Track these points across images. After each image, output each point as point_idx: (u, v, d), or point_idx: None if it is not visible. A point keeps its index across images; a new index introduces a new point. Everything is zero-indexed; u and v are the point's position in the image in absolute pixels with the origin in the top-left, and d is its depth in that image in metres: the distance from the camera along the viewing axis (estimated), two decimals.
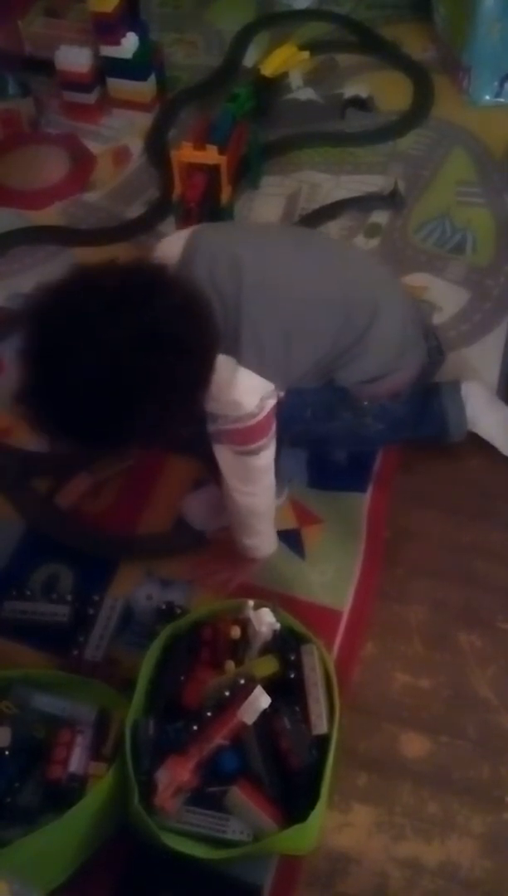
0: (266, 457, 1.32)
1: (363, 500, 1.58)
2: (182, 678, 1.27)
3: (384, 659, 1.42)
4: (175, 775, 1.15)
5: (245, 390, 1.23)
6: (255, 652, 1.31)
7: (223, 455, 1.32)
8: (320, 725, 1.22)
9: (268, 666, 1.28)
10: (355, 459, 1.63)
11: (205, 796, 1.18)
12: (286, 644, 1.32)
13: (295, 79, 2.39)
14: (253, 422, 1.26)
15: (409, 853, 1.25)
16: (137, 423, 1.07)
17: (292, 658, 1.29)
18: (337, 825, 1.27)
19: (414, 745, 1.33)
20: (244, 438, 1.28)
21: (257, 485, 1.35)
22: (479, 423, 1.60)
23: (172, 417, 1.10)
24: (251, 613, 1.31)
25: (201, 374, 1.13)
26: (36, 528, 1.58)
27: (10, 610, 1.46)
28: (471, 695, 1.38)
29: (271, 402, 1.28)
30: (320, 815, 1.18)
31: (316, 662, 1.28)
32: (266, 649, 1.31)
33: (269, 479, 1.36)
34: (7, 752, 1.21)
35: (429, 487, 1.61)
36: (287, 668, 1.28)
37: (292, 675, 1.27)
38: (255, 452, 1.30)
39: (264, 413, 1.26)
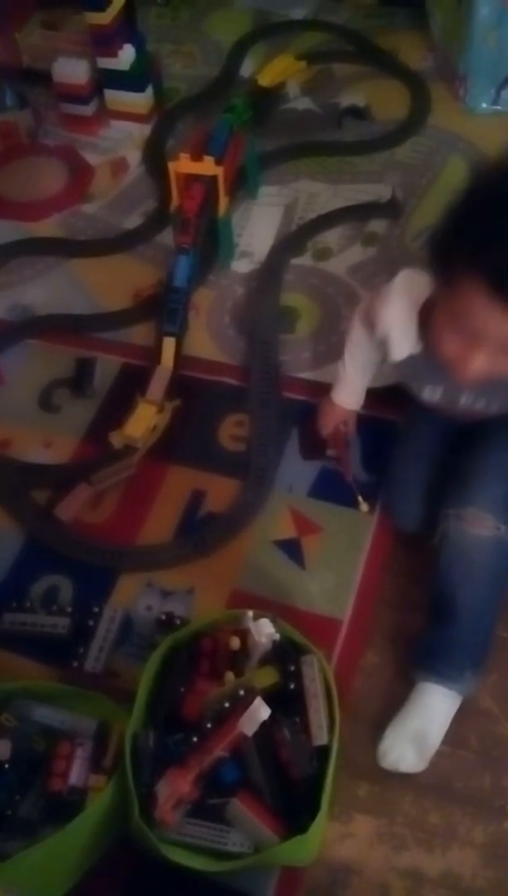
0: None
1: (371, 519, 1.57)
2: (182, 690, 1.27)
3: (385, 668, 1.41)
4: (175, 787, 1.14)
5: None
6: (254, 663, 1.31)
7: None
8: (320, 736, 1.21)
9: (268, 677, 1.28)
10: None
11: (205, 808, 1.18)
12: (286, 655, 1.31)
13: (292, 89, 2.40)
14: None
15: (410, 863, 1.24)
16: None
17: (292, 669, 1.28)
18: (338, 836, 1.26)
19: None
20: None
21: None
22: None
23: None
24: (251, 624, 1.31)
25: None
26: (35, 540, 1.58)
27: (9, 622, 1.46)
28: (473, 704, 1.37)
29: None
30: (320, 826, 1.17)
31: (316, 673, 1.27)
32: (266, 660, 1.31)
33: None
34: (7, 765, 1.21)
35: None
36: (287, 679, 1.28)
37: (292, 686, 1.27)
38: None
39: None
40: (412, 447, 1.54)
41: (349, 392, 1.59)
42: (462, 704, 1.36)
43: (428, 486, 1.47)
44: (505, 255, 1.08)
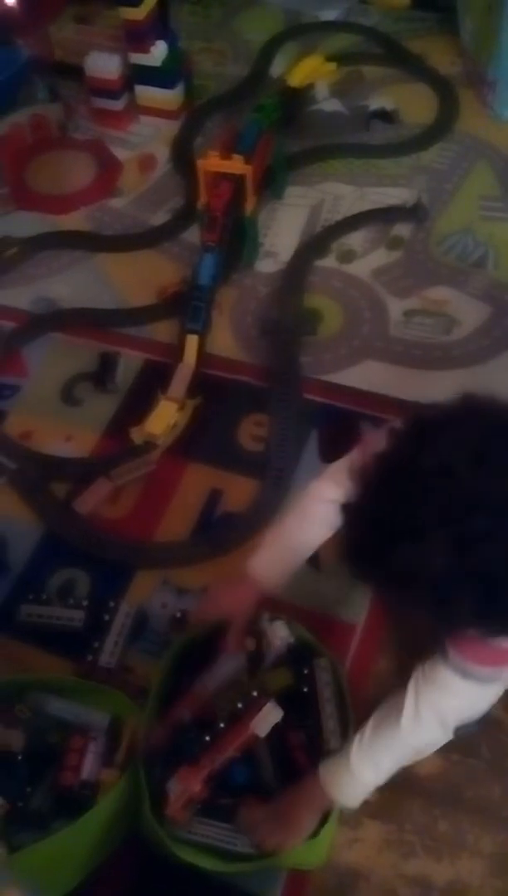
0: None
1: None
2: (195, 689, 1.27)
3: (399, 675, 1.41)
4: (187, 786, 1.15)
5: None
6: (268, 664, 1.31)
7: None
8: (333, 741, 1.22)
9: (281, 679, 1.28)
10: None
11: (215, 808, 1.18)
12: (300, 657, 1.32)
13: (321, 90, 2.40)
14: None
15: (418, 871, 1.24)
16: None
17: (306, 672, 1.29)
18: (347, 840, 1.26)
19: (426, 763, 1.32)
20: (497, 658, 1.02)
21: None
22: None
23: None
24: (266, 626, 1.31)
25: None
26: (54, 533, 1.59)
27: (26, 613, 1.47)
28: (485, 713, 1.37)
29: None
30: (330, 830, 1.18)
31: (330, 677, 1.28)
32: (279, 662, 1.31)
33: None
34: (20, 757, 1.21)
35: None
36: (300, 683, 1.28)
37: (306, 690, 1.27)
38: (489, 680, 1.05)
39: None
40: None
41: (273, 563, 1.25)
42: None
43: None
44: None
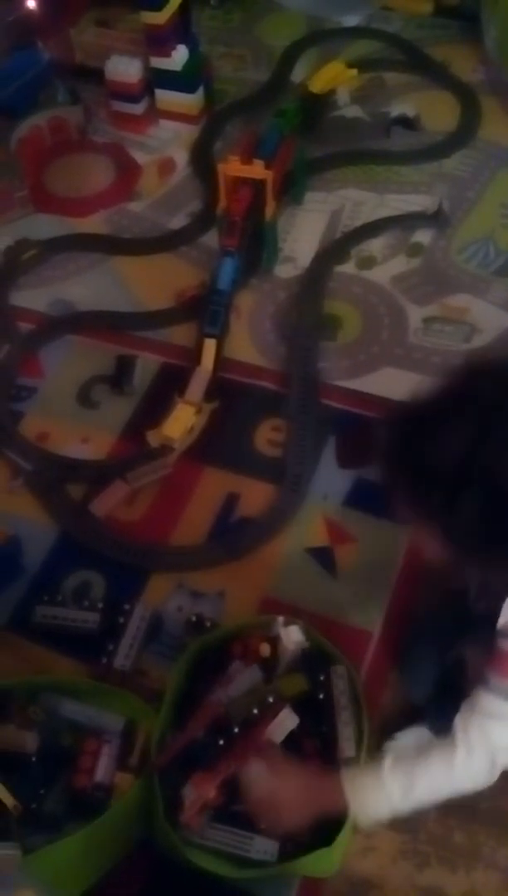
0: None
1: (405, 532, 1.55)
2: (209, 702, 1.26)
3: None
4: (201, 792, 1.14)
5: None
6: (283, 669, 1.31)
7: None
8: (348, 749, 1.21)
9: (296, 684, 1.28)
10: None
11: (230, 813, 1.17)
12: (314, 663, 1.31)
13: (342, 96, 2.40)
14: None
15: (432, 882, 1.23)
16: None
17: (322, 679, 1.28)
18: (361, 849, 1.25)
19: None
20: None
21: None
22: None
23: None
24: (281, 630, 1.31)
25: None
26: (69, 535, 1.58)
27: (41, 615, 1.47)
28: None
29: None
30: (345, 838, 1.17)
31: (345, 685, 1.27)
32: (294, 668, 1.31)
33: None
34: (34, 759, 1.21)
35: None
36: (316, 689, 1.27)
37: (321, 697, 1.26)
38: None
39: None
40: (429, 629, 1.37)
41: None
42: None
43: (442, 669, 1.30)
44: None
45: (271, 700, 1.23)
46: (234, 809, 1.17)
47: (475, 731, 1.02)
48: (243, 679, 1.25)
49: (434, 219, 2.08)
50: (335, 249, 2.04)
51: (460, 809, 1.28)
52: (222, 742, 1.20)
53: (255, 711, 1.22)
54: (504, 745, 1.02)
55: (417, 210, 2.12)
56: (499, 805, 1.29)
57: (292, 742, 1.21)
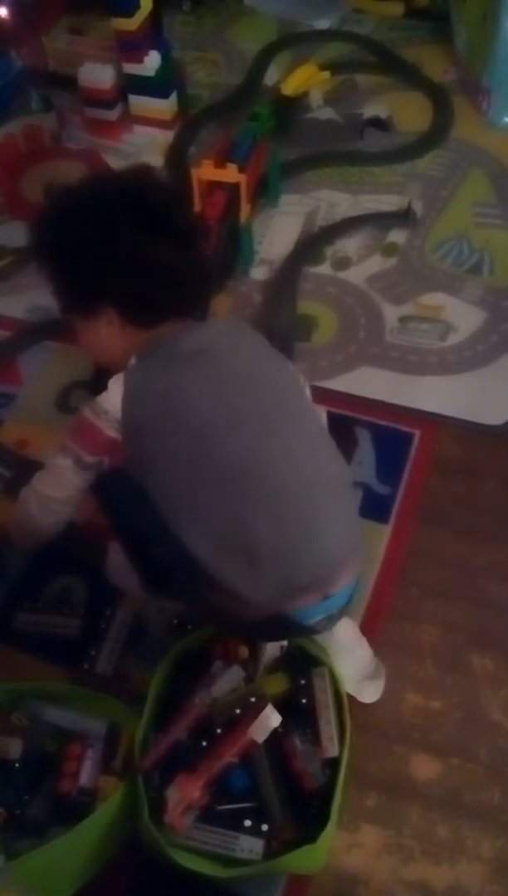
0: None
1: (385, 532, 1.58)
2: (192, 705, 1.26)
3: (396, 679, 1.41)
4: (185, 793, 1.14)
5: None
6: (262, 668, 1.31)
7: None
8: (331, 748, 1.21)
9: (278, 684, 1.28)
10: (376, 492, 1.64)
11: (215, 814, 1.18)
12: (296, 662, 1.31)
13: (315, 98, 2.41)
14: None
15: (418, 876, 1.24)
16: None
17: (303, 682, 1.28)
18: (346, 845, 1.26)
19: (425, 767, 1.33)
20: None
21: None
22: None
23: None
24: None
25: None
26: (50, 541, 1.58)
27: (22, 621, 1.47)
28: (483, 718, 1.37)
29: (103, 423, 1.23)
30: (329, 835, 1.17)
31: (327, 685, 1.27)
32: (276, 667, 1.31)
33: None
34: (17, 765, 1.21)
35: (445, 508, 1.61)
36: (298, 691, 1.27)
37: (304, 701, 1.26)
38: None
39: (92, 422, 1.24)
40: None
41: None
42: (471, 717, 1.36)
43: None
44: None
45: (253, 700, 1.24)
46: (219, 809, 1.18)
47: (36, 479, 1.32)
48: (225, 679, 1.26)
49: (404, 218, 2.09)
50: (304, 250, 2.05)
51: (443, 803, 1.30)
52: (204, 743, 1.21)
53: (237, 711, 1.23)
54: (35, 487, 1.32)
55: (388, 210, 2.13)
56: (482, 798, 1.30)
57: (275, 742, 1.21)
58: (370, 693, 1.38)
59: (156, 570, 1.19)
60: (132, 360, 1.20)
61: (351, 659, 1.36)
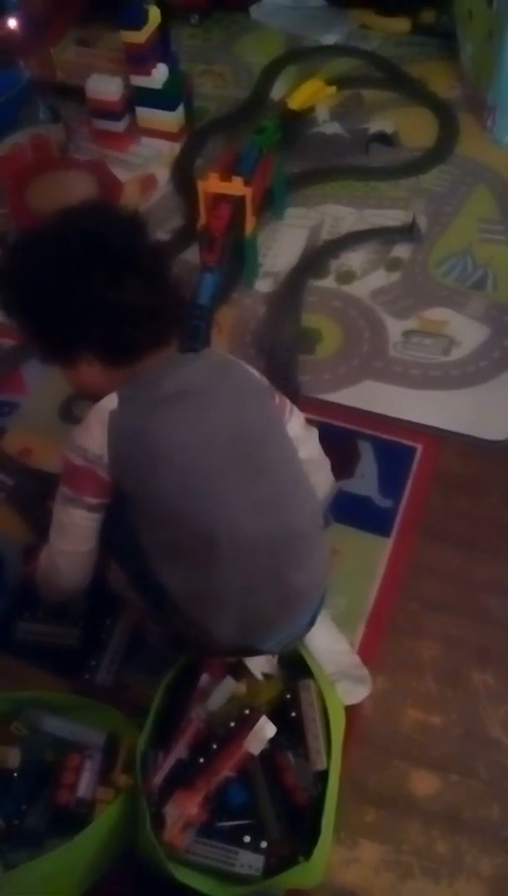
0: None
1: (386, 546, 1.58)
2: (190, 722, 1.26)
3: (396, 694, 1.41)
4: (183, 809, 1.14)
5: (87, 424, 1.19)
6: (256, 675, 1.31)
7: None
8: (319, 761, 1.21)
9: (270, 689, 1.28)
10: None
11: (214, 830, 1.17)
12: (290, 670, 1.31)
13: (321, 113, 2.42)
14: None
15: (416, 892, 1.23)
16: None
17: (288, 697, 1.28)
18: (344, 861, 1.26)
19: (424, 783, 1.32)
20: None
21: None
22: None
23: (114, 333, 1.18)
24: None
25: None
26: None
27: (22, 631, 1.47)
28: (483, 734, 1.37)
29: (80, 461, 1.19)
30: (324, 850, 1.17)
31: (313, 698, 1.27)
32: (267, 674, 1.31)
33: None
34: (16, 775, 1.21)
35: (446, 522, 1.61)
36: (287, 707, 1.27)
37: (293, 715, 1.26)
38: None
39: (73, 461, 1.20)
40: None
41: None
42: (471, 733, 1.36)
43: None
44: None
45: (247, 713, 1.23)
46: (218, 825, 1.17)
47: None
48: (218, 692, 1.26)
49: (409, 233, 2.10)
50: (308, 264, 2.06)
51: (442, 819, 1.29)
52: (201, 760, 1.20)
53: (232, 725, 1.22)
54: (58, 547, 1.26)
55: (393, 224, 2.14)
56: (481, 814, 1.29)
57: (270, 756, 1.21)
58: (353, 694, 1.38)
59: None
60: (114, 403, 1.17)
61: (330, 654, 1.38)
